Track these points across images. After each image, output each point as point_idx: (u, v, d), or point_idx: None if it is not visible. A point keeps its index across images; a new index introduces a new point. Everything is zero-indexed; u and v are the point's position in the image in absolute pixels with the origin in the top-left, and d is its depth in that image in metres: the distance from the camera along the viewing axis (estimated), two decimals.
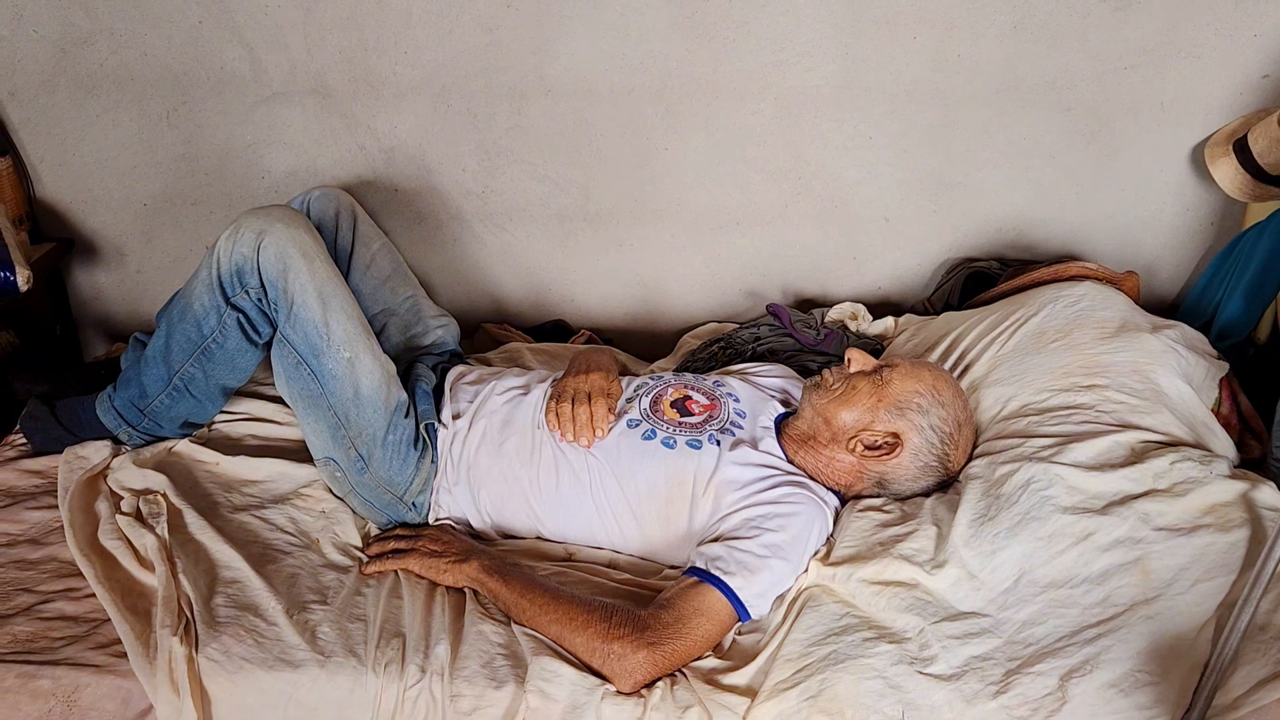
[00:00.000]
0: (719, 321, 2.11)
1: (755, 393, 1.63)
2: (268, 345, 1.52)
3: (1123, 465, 1.40)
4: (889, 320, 1.95)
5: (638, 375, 1.70)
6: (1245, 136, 1.86)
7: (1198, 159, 1.96)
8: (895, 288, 2.11)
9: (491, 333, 2.11)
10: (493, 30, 1.88)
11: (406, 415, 1.53)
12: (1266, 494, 1.36)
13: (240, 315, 1.47)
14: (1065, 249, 2.05)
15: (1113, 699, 1.23)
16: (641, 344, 2.14)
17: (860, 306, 1.97)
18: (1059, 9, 1.85)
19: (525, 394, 1.59)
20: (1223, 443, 1.52)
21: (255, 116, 1.98)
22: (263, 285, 1.44)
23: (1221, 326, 1.89)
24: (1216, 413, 1.60)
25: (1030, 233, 2.05)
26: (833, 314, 1.97)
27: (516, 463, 1.52)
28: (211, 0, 1.86)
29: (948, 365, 1.69)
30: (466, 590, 1.42)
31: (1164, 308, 2.09)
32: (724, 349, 1.94)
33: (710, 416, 1.55)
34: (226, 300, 1.47)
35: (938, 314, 1.93)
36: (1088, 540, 1.33)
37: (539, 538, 1.55)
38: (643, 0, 1.85)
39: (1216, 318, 1.91)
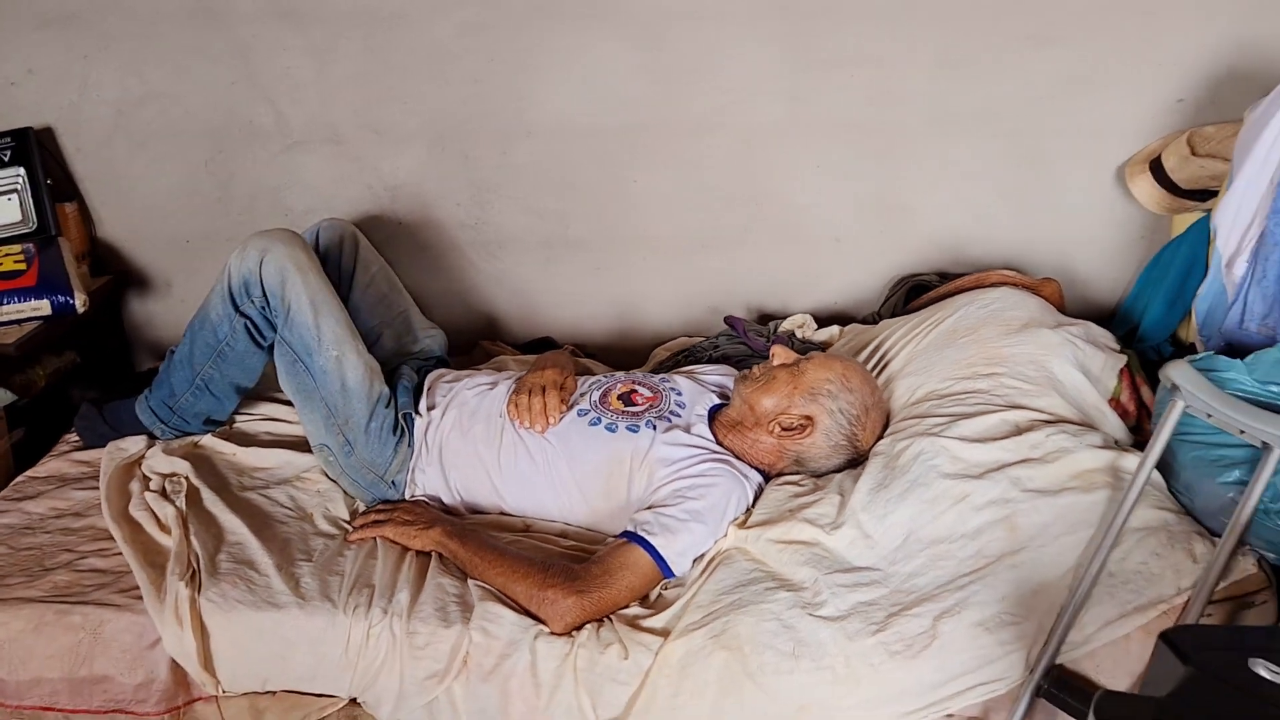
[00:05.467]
0: (688, 335, 2.33)
1: (696, 387, 1.84)
2: (271, 348, 1.78)
3: (1003, 438, 1.57)
4: (834, 329, 2.14)
5: (596, 375, 1.93)
6: (1160, 155, 2.04)
7: (1123, 178, 2.13)
8: (848, 302, 2.31)
9: (486, 348, 2.35)
10: (480, 81, 2.16)
11: (387, 406, 1.77)
12: (1129, 461, 1.52)
13: (247, 321, 1.74)
14: (1005, 264, 2.22)
15: (978, 636, 1.40)
16: (620, 357, 2.35)
17: (808, 317, 2.17)
18: (982, 46, 2.06)
19: (492, 388, 1.83)
20: (1113, 424, 1.68)
21: (279, 163, 2.28)
22: (265, 295, 1.71)
23: (1145, 329, 2.05)
24: (1117, 400, 1.76)
25: (970, 249, 2.23)
26: (785, 325, 2.17)
27: (482, 446, 1.75)
28: (241, 64, 2.18)
29: (871, 362, 1.89)
30: (433, 554, 1.64)
31: (1104, 316, 2.24)
32: (687, 358, 2.15)
33: (651, 406, 1.77)
34: (236, 309, 1.74)
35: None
36: (965, 501, 1.50)
37: (502, 513, 1.77)
38: (609, 51, 2.11)
39: (1142, 322, 2.07)
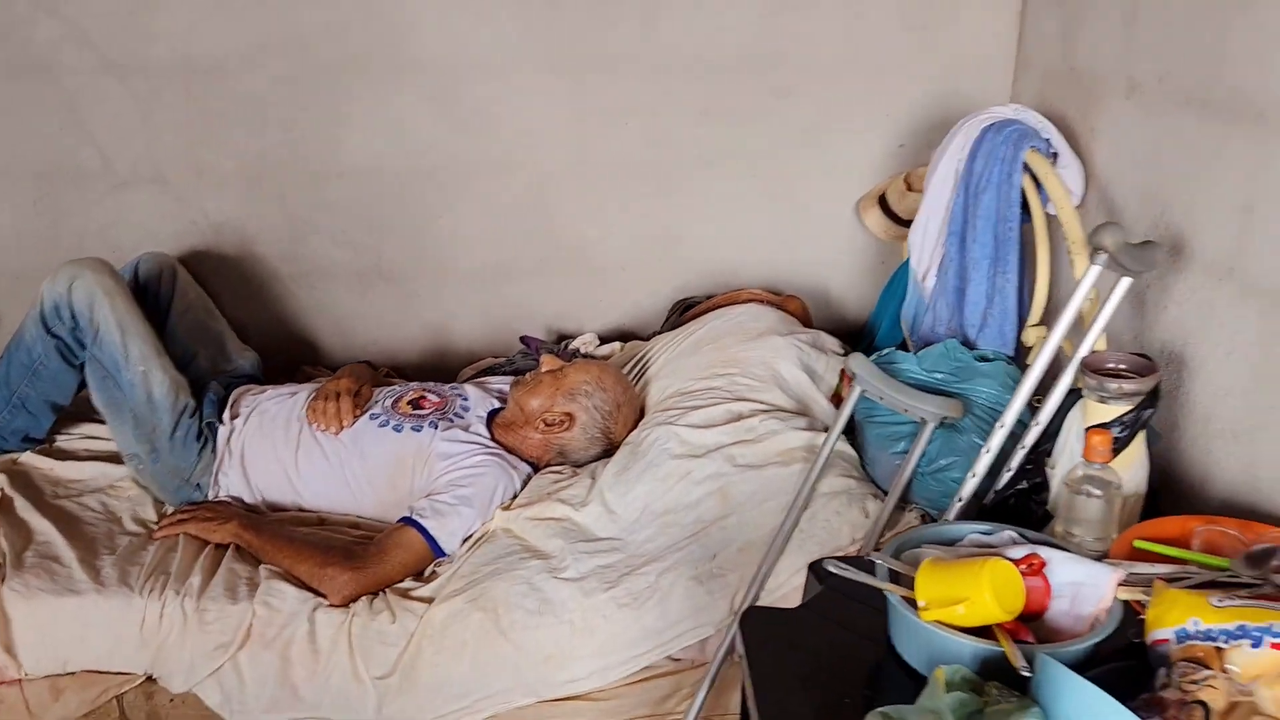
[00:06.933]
0: (494, 356, 2.56)
1: (482, 394, 2.08)
2: (84, 367, 1.94)
3: (724, 424, 1.85)
4: (615, 345, 2.41)
5: (394, 385, 2.15)
6: (885, 191, 2.38)
7: (859, 211, 2.47)
8: (635, 323, 2.58)
9: (308, 373, 2.54)
10: (292, 129, 2.38)
11: (192, 416, 1.95)
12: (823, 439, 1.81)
13: (59, 341, 1.91)
14: (769, 286, 2.53)
15: (692, 587, 1.65)
16: (433, 377, 2.51)
17: (592, 335, 2.44)
18: (736, 98, 2.38)
19: (293, 397, 2.03)
20: (827, 412, 1.98)
21: (106, 203, 2.44)
22: (74, 317, 1.88)
23: (879, 340, 2.37)
24: (839, 395, 2.06)
25: (740, 274, 2.53)
26: (575, 343, 2.44)
27: (282, 448, 1.95)
28: (68, 109, 2.35)
29: (634, 371, 2.16)
30: (231, 545, 1.82)
31: (855, 330, 2.56)
32: (487, 375, 2.39)
33: (437, 410, 1.99)
34: (48, 330, 1.90)
35: None
36: (688, 477, 1.77)
37: (300, 509, 1.96)
38: (411, 100, 2.35)
39: (878, 334, 2.40)
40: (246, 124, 2.37)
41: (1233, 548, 1.24)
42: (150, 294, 2.14)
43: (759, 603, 1.65)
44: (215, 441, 1.97)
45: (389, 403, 2.01)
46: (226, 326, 2.28)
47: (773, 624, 1.33)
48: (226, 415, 2.00)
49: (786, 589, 1.65)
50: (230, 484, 1.96)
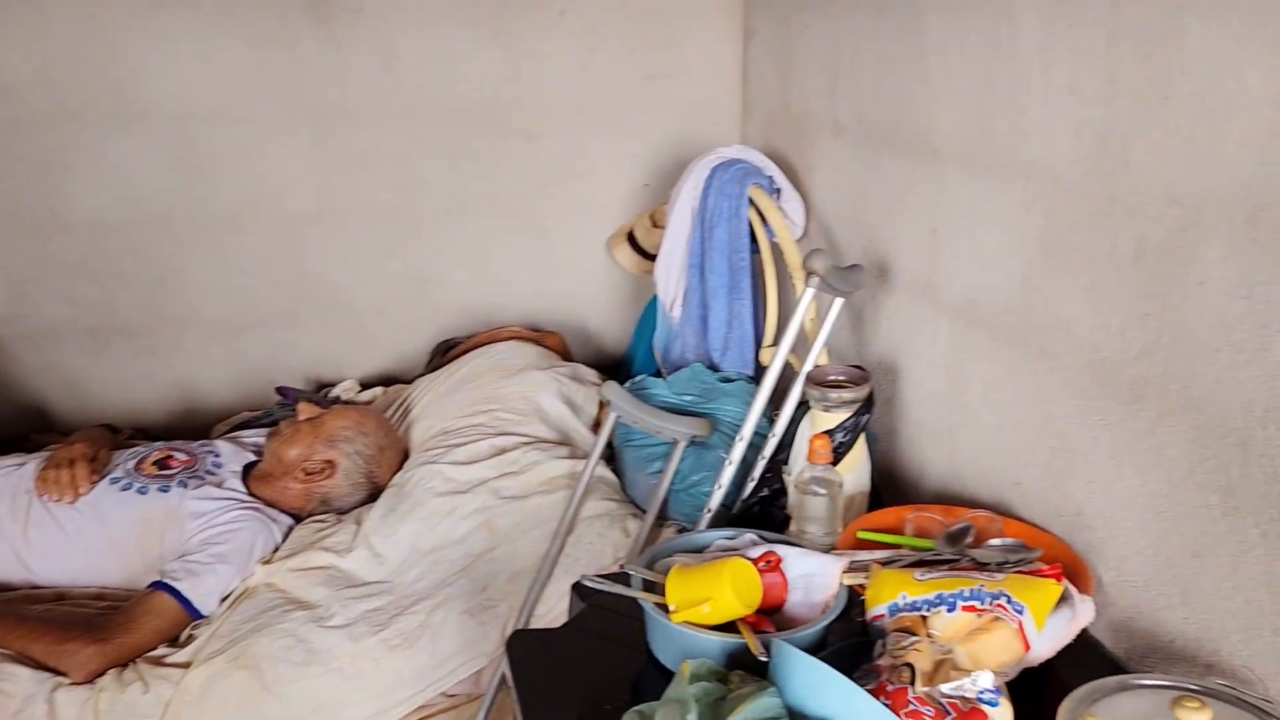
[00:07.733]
0: (250, 410, 2.47)
1: (234, 448, 2.01)
2: None
3: (488, 459, 1.89)
4: (378, 389, 2.40)
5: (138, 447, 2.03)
6: (633, 229, 2.52)
7: (610, 248, 2.59)
8: (398, 367, 2.57)
9: (37, 441, 2.34)
10: (4, 180, 2.21)
11: None
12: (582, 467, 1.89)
13: None
14: (531, 323, 2.60)
15: (464, 621, 1.67)
16: (185, 436, 2.41)
17: (353, 382, 2.41)
18: (483, 142, 2.45)
19: (20, 467, 1.88)
20: (588, 440, 2.06)
21: None
22: None
23: (636, 370, 2.49)
24: (598, 423, 2.15)
25: (499, 313, 2.59)
26: (336, 391, 2.40)
27: (8, 523, 1.80)
28: None
29: (397, 413, 2.16)
30: None
31: (617, 362, 2.67)
32: (243, 429, 2.30)
33: (186, 468, 1.91)
34: None
35: None
36: (454, 513, 1.80)
37: (33, 586, 1.81)
38: (138, 149, 2.24)
39: (634, 364, 2.52)
40: None
41: (937, 530, 1.41)
42: None
43: (531, 627, 1.69)
44: None
45: (131, 465, 1.91)
46: None
47: (538, 645, 1.37)
48: None
49: (556, 612, 1.70)
50: None
